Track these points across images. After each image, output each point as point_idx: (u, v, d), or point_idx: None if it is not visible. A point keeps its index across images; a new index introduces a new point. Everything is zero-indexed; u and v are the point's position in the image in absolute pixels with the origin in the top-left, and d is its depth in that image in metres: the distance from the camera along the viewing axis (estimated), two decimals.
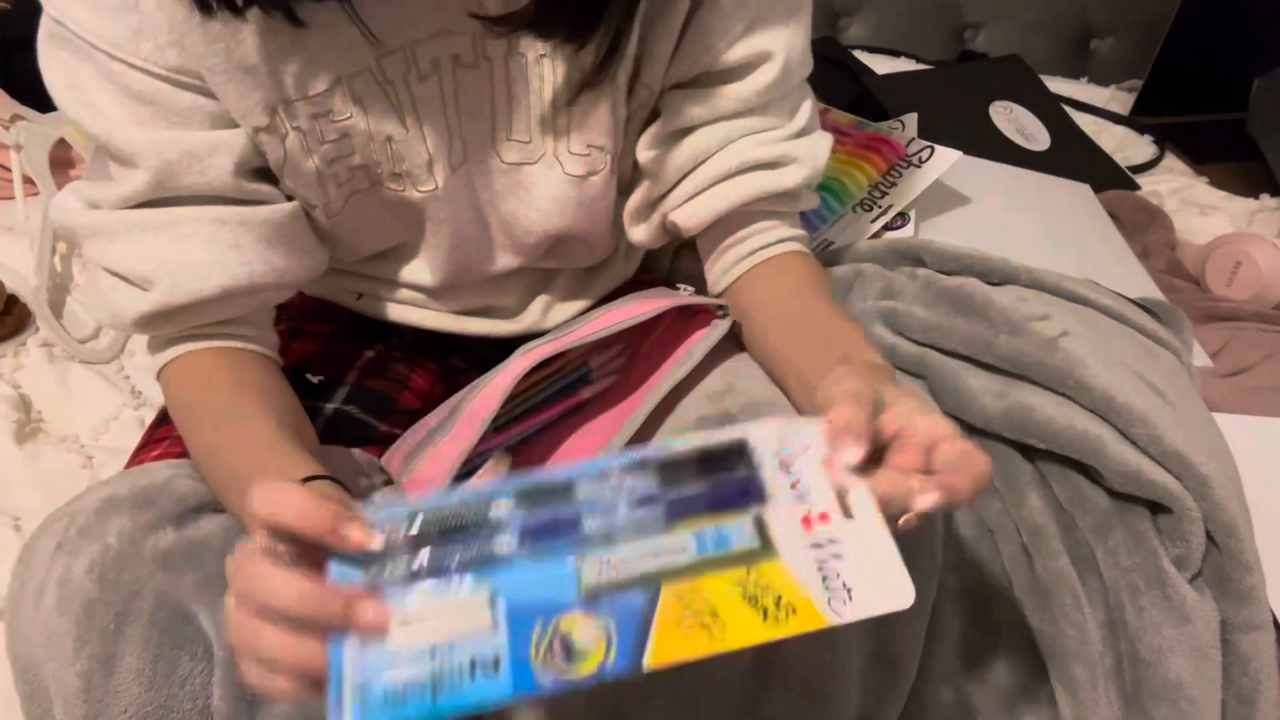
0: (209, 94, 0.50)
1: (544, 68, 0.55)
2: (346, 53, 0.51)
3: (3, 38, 1.15)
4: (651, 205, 0.63)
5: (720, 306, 0.58)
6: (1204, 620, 0.52)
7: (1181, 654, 0.52)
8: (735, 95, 0.57)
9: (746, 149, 0.58)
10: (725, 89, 0.57)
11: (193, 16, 0.47)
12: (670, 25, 0.54)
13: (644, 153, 0.60)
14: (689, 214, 0.60)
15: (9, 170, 1.06)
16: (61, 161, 1.08)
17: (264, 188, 0.54)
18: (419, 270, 0.64)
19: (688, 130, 0.58)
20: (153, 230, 0.51)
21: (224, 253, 0.52)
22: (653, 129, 0.60)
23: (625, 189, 0.64)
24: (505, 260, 0.64)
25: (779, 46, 0.56)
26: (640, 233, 0.65)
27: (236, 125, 0.52)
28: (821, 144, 0.60)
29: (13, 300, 0.95)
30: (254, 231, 0.53)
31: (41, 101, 1.14)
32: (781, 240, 0.60)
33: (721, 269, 0.62)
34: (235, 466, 0.48)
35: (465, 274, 0.64)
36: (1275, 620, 0.56)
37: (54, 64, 0.50)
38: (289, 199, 0.56)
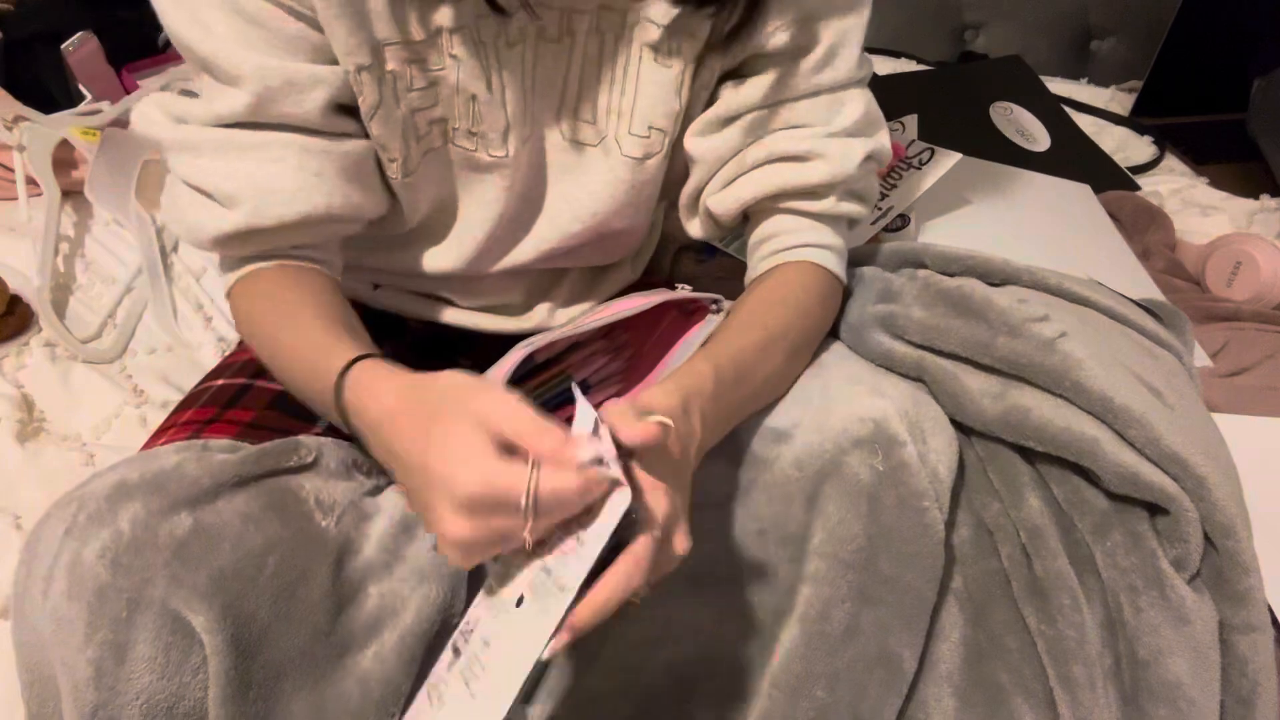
0: (317, 26, 0.52)
1: (631, 44, 0.56)
2: (455, 6, 0.52)
3: (6, 39, 1.16)
4: (698, 194, 0.64)
5: (715, 300, 0.59)
6: (1203, 621, 0.52)
7: (1180, 655, 0.52)
8: (779, 83, 0.58)
9: (779, 141, 0.59)
10: (769, 75, 0.58)
11: None
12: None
13: (691, 139, 0.61)
14: (720, 201, 0.61)
15: (12, 171, 1.06)
16: (64, 162, 1.08)
17: (349, 124, 0.56)
18: (443, 255, 0.65)
19: (732, 118, 0.59)
20: (241, 150, 0.53)
21: (308, 180, 0.54)
22: (703, 116, 0.60)
23: (679, 180, 0.65)
24: (533, 247, 0.65)
25: (829, 36, 0.57)
26: (695, 226, 0.66)
27: (336, 61, 0.53)
28: (856, 148, 0.59)
29: (16, 300, 0.96)
30: (337, 164, 0.55)
31: (45, 102, 1.14)
32: (802, 245, 0.60)
33: (751, 266, 0.63)
34: (301, 355, 0.51)
35: (486, 261, 0.65)
36: (1274, 621, 0.56)
37: None
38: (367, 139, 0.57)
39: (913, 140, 0.94)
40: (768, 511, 0.51)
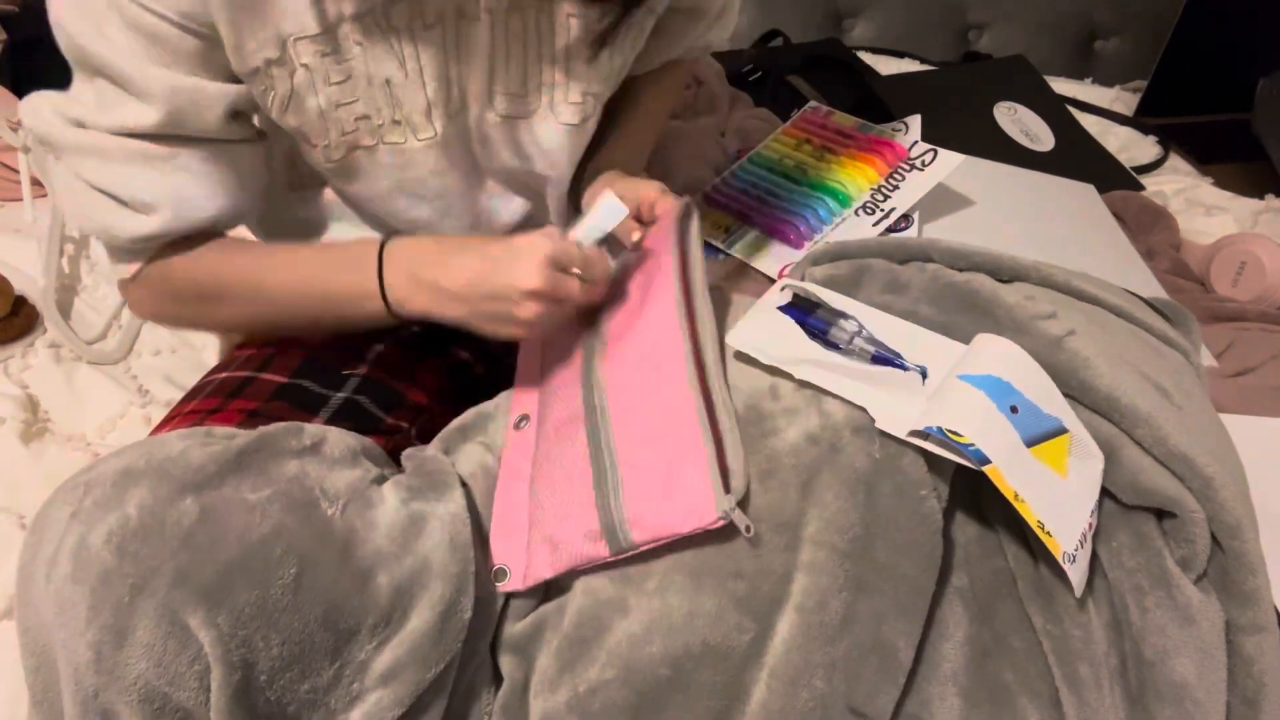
0: (213, 41, 0.54)
1: (555, 18, 0.59)
2: None
3: (11, 41, 1.16)
4: None
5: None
6: (1209, 621, 0.52)
7: (1186, 655, 0.51)
8: (675, 38, 0.70)
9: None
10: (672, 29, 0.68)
11: None
12: None
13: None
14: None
15: (16, 172, 1.06)
16: None
17: (247, 129, 0.60)
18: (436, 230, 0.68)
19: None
20: (151, 161, 0.56)
21: (216, 187, 0.58)
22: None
23: None
24: (518, 207, 0.70)
25: None
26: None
27: (232, 74, 0.56)
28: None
29: (21, 301, 0.96)
30: (241, 167, 0.60)
31: None
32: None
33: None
34: (307, 271, 0.59)
35: (478, 230, 0.69)
36: None
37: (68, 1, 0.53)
38: (263, 137, 0.61)
39: (916, 141, 0.94)
40: (764, 500, 0.51)
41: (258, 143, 0.61)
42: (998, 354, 0.54)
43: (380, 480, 0.54)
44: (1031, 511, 0.49)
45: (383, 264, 0.58)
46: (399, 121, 0.59)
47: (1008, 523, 0.57)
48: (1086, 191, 1.12)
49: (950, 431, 0.49)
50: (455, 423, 0.63)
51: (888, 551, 0.51)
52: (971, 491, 0.58)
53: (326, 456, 0.52)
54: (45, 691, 0.46)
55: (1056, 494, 0.51)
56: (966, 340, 0.57)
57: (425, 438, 0.65)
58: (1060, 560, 0.50)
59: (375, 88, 0.58)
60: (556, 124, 0.63)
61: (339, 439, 0.54)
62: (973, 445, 0.49)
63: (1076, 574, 0.51)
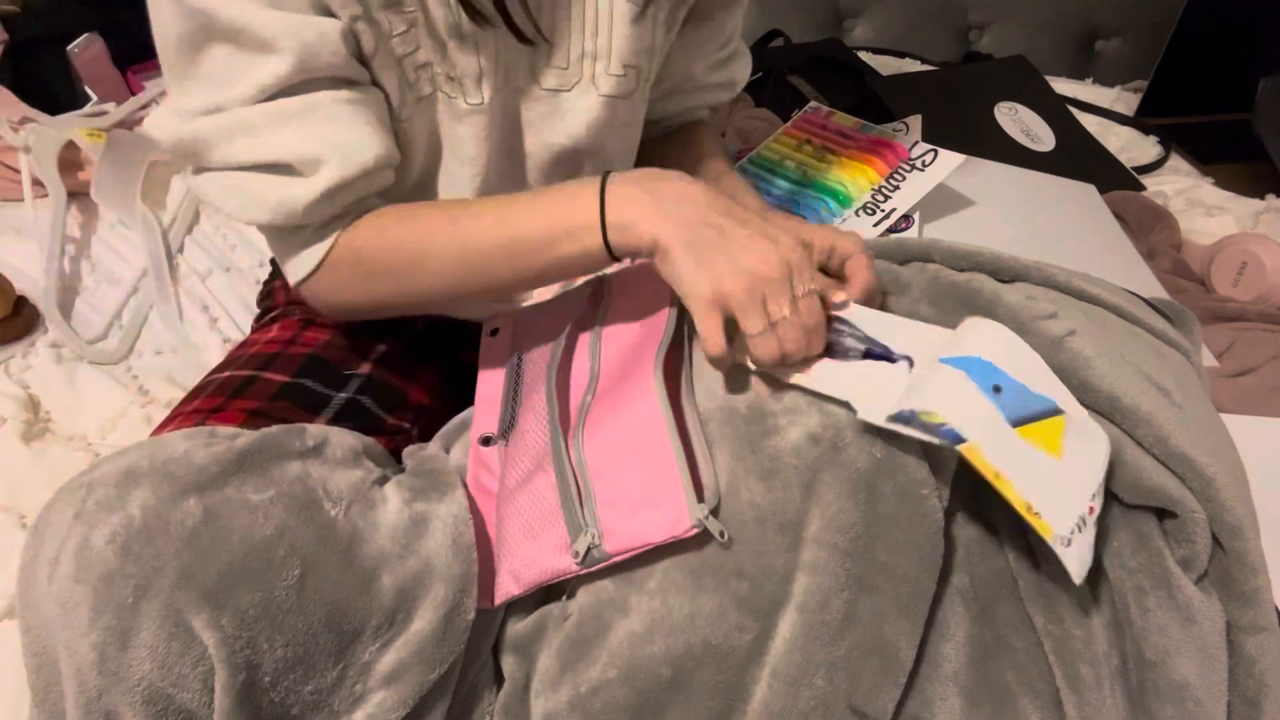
0: None
1: None
2: None
3: (12, 41, 1.16)
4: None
5: None
6: (1210, 621, 0.52)
7: (1187, 655, 0.52)
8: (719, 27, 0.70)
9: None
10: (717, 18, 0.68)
11: None
12: None
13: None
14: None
15: (18, 172, 1.06)
16: (70, 164, 1.08)
17: (368, 72, 0.57)
18: None
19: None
20: (298, 117, 0.53)
21: (366, 129, 0.56)
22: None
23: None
24: None
25: None
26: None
27: (336, 15, 0.54)
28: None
29: (22, 301, 0.96)
30: (375, 111, 0.57)
31: (51, 104, 1.14)
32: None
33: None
34: (516, 216, 0.55)
35: None
36: None
37: None
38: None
39: (916, 141, 0.94)
40: (766, 500, 0.51)
41: (380, 89, 0.59)
42: (981, 336, 0.53)
43: (382, 481, 0.54)
44: (1016, 491, 0.48)
45: (605, 191, 0.53)
46: (453, 79, 0.59)
47: (1009, 523, 0.57)
48: (1087, 192, 1.12)
49: (924, 413, 0.48)
50: (455, 420, 0.64)
51: (889, 551, 0.51)
52: (973, 492, 0.58)
53: (329, 458, 0.52)
54: (47, 692, 0.46)
55: (1048, 475, 0.49)
56: None
57: (427, 438, 0.65)
58: (1051, 543, 0.48)
59: (435, 43, 0.58)
60: (597, 95, 0.63)
61: (341, 440, 0.54)
62: (946, 425, 0.47)
63: (1073, 559, 0.49)
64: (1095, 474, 0.51)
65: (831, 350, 0.54)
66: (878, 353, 0.54)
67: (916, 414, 0.48)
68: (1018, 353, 0.52)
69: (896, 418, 0.49)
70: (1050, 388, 0.52)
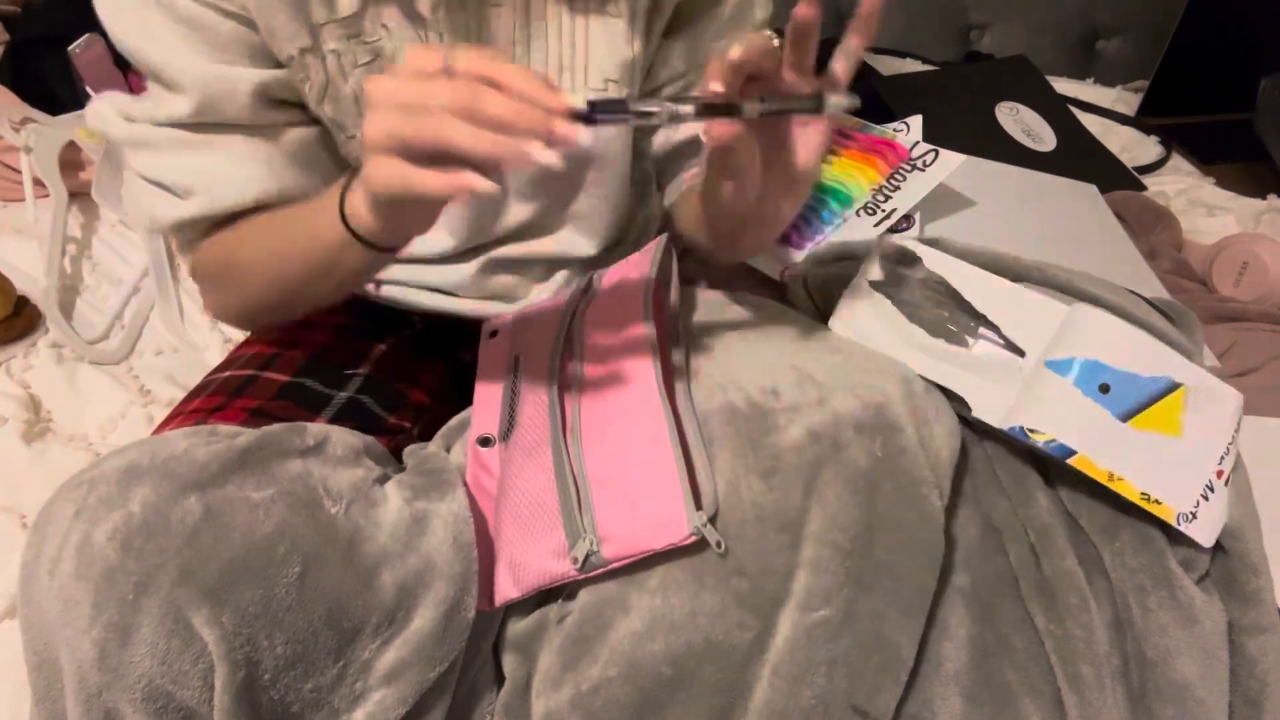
0: (249, 24, 0.55)
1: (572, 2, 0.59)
2: None
3: (13, 41, 1.16)
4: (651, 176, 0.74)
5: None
6: (1211, 621, 0.52)
7: (1189, 655, 0.52)
8: (695, 42, 0.66)
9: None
10: (689, 31, 0.65)
11: None
12: None
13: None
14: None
15: (19, 172, 1.06)
16: (71, 164, 1.08)
17: (284, 115, 0.60)
18: (438, 235, 0.67)
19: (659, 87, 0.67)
20: (191, 146, 0.57)
21: (257, 169, 0.59)
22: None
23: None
24: (520, 212, 0.68)
25: None
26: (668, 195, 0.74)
27: (269, 58, 0.57)
28: None
29: (23, 302, 0.96)
30: (283, 151, 0.60)
31: (51, 104, 1.15)
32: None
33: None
34: (299, 222, 0.56)
35: (480, 234, 0.67)
36: None
37: None
38: (316, 123, 0.62)
39: (917, 141, 0.94)
40: (767, 498, 0.51)
41: (309, 126, 0.62)
42: (1088, 330, 0.54)
43: (383, 479, 0.54)
44: (1132, 487, 0.50)
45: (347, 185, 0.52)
46: None
47: (1010, 522, 0.57)
48: (1088, 192, 1.12)
49: (1031, 430, 0.51)
50: (456, 419, 0.64)
51: (889, 550, 0.51)
52: (974, 491, 0.58)
53: (329, 456, 0.52)
54: (48, 690, 0.46)
55: (1166, 457, 0.51)
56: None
57: (427, 438, 0.65)
58: (1175, 523, 0.50)
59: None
60: None
61: (341, 438, 0.54)
62: (1054, 441, 0.50)
63: (1202, 530, 0.51)
64: (1222, 437, 0.52)
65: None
66: (990, 336, 0.56)
67: (1025, 430, 0.51)
68: (1125, 340, 0.53)
69: (1008, 433, 0.52)
70: (1165, 364, 0.52)
